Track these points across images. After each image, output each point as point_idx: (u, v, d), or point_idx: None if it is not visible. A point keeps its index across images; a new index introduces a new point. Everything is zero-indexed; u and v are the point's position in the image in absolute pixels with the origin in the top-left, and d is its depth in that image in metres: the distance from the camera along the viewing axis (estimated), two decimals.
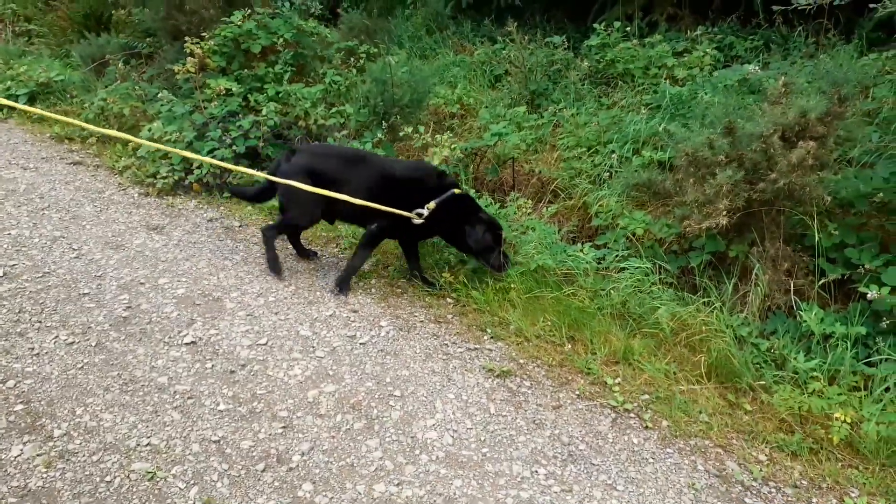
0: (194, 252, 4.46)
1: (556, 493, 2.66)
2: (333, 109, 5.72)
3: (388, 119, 5.61)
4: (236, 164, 5.37)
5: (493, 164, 5.28)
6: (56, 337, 3.44)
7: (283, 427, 2.93)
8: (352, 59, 6.62)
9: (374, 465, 2.76)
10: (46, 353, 3.32)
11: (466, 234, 3.92)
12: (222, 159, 5.37)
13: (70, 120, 4.05)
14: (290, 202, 4.10)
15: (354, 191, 3.82)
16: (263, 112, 5.59)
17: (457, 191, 3.97)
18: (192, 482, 2.62)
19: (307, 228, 4.55)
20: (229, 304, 3.86)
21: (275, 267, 4.20)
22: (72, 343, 3.41)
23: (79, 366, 3.24)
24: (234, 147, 5.41)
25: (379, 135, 5.36)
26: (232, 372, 3.28)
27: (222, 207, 5.25)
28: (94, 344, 3.41)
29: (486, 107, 6.02)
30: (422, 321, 3.86)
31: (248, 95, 5.89)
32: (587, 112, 5.64)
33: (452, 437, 2.94)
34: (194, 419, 2.96)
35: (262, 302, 3.90)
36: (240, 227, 4.93)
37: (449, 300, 4.10)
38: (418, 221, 3.88)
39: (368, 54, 6.78)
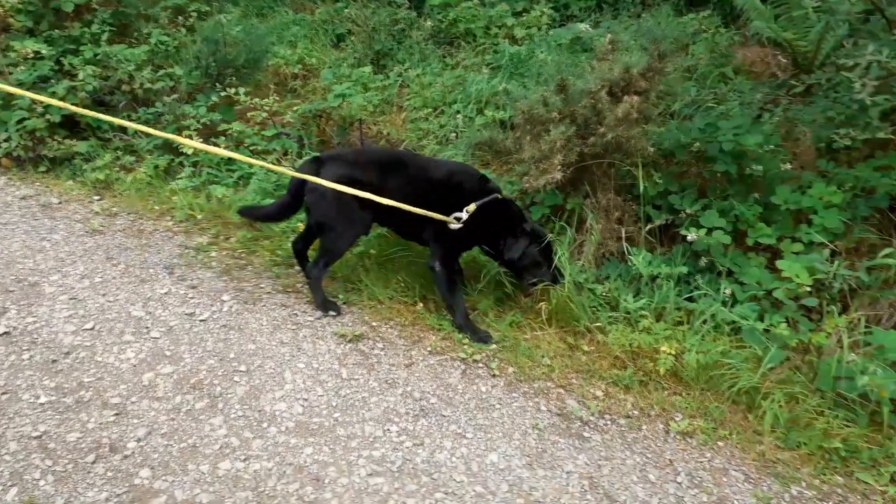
0: (6, 234, 3.99)
1: (408, 448, 2.69)
2: (161, 72, 5.29)
3: (222, 81, 5.29)
4: (51, 134, 4.87)
5: (340, 126, 5.15)
6: None
7: (116, 414, 2.72)
8: (180, 17, 6.14)
9: (218, 443, 2.63)
10: None
11: (506, 246, 3.52)
12: (33, 131, 4.85)
13: None
14: (333, 219, 3.46)
15: (395, 199, 3.33)
16: (80, 76, 5.07)
17: (500, 196, 3.57)
18: (9, 483, 2.38)
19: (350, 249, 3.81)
20: (49, 288, 3.50)
21: (329, 306, 3.58)
22: None
23: None
24: (47, 116, 4.89)
25: (213, 98, 5.04)
26: (54, 361, 2.99)
27: (37, 183, 4.74)
28: None
29: (330, 67, 5.84)
30: (269, 293, 3.71)
31: (62, 58, 5.30)
32: (432, 72, 5.64)
33: (303, 406, 2.87)
34: (10, 416, 2.67)
35: (87, 284, 3.57)
36: (59, 203, 4.47)
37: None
38: (456, 226, 3.43)
39: (199, 12, 6.31)
